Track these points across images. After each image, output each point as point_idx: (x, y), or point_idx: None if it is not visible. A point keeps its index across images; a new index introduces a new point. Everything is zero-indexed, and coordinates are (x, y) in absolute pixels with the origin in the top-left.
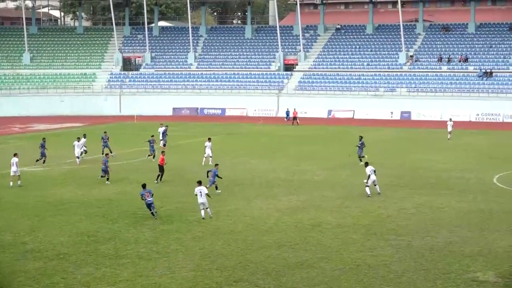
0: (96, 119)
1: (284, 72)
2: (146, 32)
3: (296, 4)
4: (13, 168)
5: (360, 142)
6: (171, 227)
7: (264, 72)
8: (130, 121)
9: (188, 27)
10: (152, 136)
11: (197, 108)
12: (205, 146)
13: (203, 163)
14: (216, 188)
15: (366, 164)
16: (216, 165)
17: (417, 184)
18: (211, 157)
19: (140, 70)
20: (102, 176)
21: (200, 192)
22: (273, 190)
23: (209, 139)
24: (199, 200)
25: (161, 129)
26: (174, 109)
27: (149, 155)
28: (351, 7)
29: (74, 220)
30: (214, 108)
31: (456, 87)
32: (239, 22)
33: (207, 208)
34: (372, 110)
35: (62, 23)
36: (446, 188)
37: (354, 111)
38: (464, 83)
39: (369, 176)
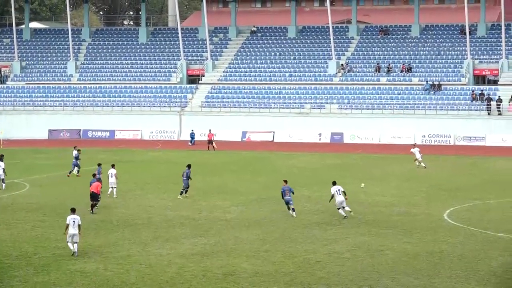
0: None
1: (188, 85)
2: (15, 36)
3: (202, 1)
4: None
5: None
6: (48, 279)
7: (163, 85)
8: None
9: (68, 30)
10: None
11: (79, 130)
12: (109, 175)
13: (109, 193)
14: (185, 192)
15: (334, 183)
16: (189, 165)
17: (352, 222)
18: (114, 187)
19: (7, 82)
20: None
21: (74, 221)
22: (175, 231)
23: (113, 165)
24: (70, 231)
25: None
26: (50, 131)
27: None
28: (269, 5)
29: None
30: (101, 130)
31: (397, 102)
32: (131, 23)
33: (74, 243)
34: (296, 131)
35: None
36: (387, 226)
37: (274, 132)
38: (408, 97)
39: (332, 196)
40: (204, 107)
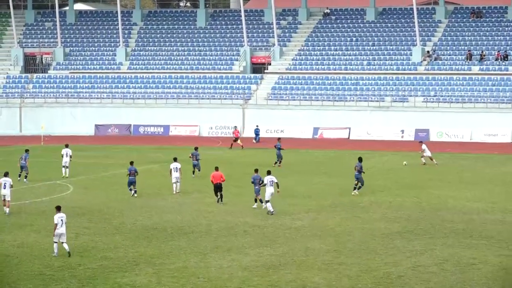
0: None
1: (252, 75)
2: (58, 19)
3: None
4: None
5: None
6: None
7: (224, 75)
8: (35, 143)
9: (117, 12)
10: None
11: (129, 126)
12: (173, 169)
13: (174, 192)
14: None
15: (268, 173)
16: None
17: (439, 231)
18: (178, 182)
19: (49, 71)
20: None
21: (61, 220)
22: (237, 241)
23: (175, 159)
24: (57, 231)
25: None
26: (97, 126)
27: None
28: None
29: None
30: (154, 125)
31: (491, 95)
32: (188, 4)
33: (62, 243)
34: (375, 128)
35: None
36: (479, 236)
37: (349, 129)
38: (503, 89)
39: (264, 184)
40: (270, 99)
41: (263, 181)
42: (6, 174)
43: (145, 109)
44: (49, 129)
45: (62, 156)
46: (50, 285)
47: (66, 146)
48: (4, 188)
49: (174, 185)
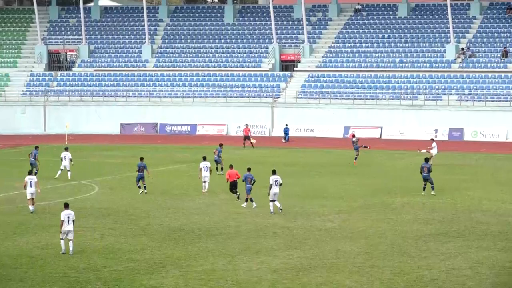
0: (10, 140)
1: (281, 73)
2: (82, 15)
3: None
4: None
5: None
6: None
7: (253, 73)
8: (59, 143)
9: (143, 8)
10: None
11: (156, 124)
12: (203, 168)
13: (204, 190)
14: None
15: (273, 172)
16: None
17: (474, 234)
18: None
19: (73, 69)
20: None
21: (68, 217)
22: (266, 242)
23: (205, 158)
24: (64, 228)
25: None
26: (122, 125)
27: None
28: None
29: None
30: (180, 124)
31: None
32: (215, 0)
33: (69, 240)
34: (407, 127)
35: None
36: None
37: (381, 128)
38: None
39: (270, 186)
40: (300, 98)
41: (254, 181)
42: (30, 172)
43: (171, 107)
44: (74, 128)
45: (61, 160)
46: (75, 287)
47: (66, 149)
48: (30, 187)
49: (204, 183)
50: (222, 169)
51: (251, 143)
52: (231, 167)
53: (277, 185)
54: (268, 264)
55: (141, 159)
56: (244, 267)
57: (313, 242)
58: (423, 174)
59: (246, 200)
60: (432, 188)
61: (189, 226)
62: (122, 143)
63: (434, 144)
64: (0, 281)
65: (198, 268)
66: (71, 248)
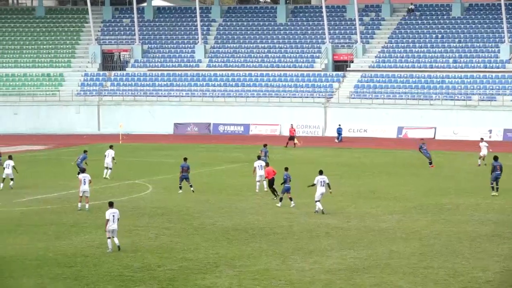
0: (65, 139)
1: (334, 73)
2: (136, 15)
3: None
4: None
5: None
6: None
7: (305, 73)
8: (113, 142)
9: (196, 8)
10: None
11: (209, 124)
12: (256, 167)
13: (257, 190)
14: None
15: (320, 172)
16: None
17: None
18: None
19: (127, 69)
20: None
21: (113, 215)
22: (320, 243)
23: (259, 157)
24: (110, 227)
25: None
26: (176, 125)
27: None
28: None
29: (34, 286)
30: (233, 124)
31: None
32: (268, 0)
33: (113, 238)
34: (461, 127)
35: (15, 1)
36: None
37: (435, 128)
38: None
39: (313, 185)
40: (353, 98)
41: (290, 180)
42: (83, 170)
43: (224, 107)
44: (127, 127)
45: (105, 157)
46: (129, 286)
47: (111, 147)
48: (84, 184)
49: (258, 183)
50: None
51: (295, 143)
52: (267, 164)
53: (323, 185)
54: (321, 264)
55: (185, 159)
56: (297, 267)
57: (366, 243)
58: (496, 172)
59: (281, 200)
60: (497, 189)
61: (242, 225)
62: (175, 143)
63: (483, 144)
64: (55, 280)
65: (252, 268)
66: (117, 244)
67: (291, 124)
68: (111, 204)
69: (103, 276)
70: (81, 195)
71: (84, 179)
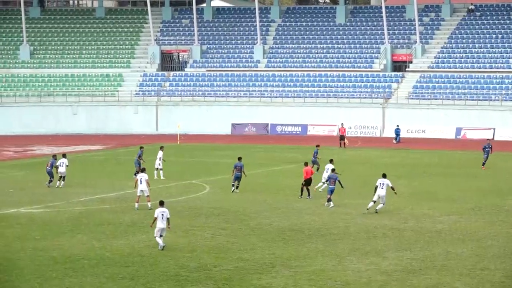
0: (123, 139)
1: (393, 73)
2: (195, 16)
3: None
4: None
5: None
6: None
7: (364, 73)
8: (171, 142)
9: (255, 8)
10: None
11: (267, 125)
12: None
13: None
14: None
15: (383, 176)
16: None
17: None
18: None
19: (186, 69)
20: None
21: (162, 214)
22: (376, 244)
23: (331, 160)
24: (158, 225)
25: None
26: (234, 125)
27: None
28: None
29: (90, 285)
30: (291, 125)
31: None
32: (327, 0)
33: (161, 237)
34: None
35: (76, 2)
36: None
37: (494, 129)
38: None
39: (375, 188)
40: (412, 98)
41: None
42: (142, 170)
43: (282, 108)
44: (185, 128)
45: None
46: (185, 286)
47: (161, 148)
48: (141, 184)
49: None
50: (317, 169)
51: (344, 143)
52: (306, 164)
53: (382, 187)
54: (378, 265)
55: (239, 158)
56: (353, 268)
57: (423, 244)
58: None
59: (329, 200)
60: None
61: (298, 226)
62: (233, 143)
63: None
64: (112, 279)
65: (308, 268)
66: (162, 244)
67: (342, 123)
68: (161, 203)
69: (159, 276)
70: (139, 194)
71: (141, 179)
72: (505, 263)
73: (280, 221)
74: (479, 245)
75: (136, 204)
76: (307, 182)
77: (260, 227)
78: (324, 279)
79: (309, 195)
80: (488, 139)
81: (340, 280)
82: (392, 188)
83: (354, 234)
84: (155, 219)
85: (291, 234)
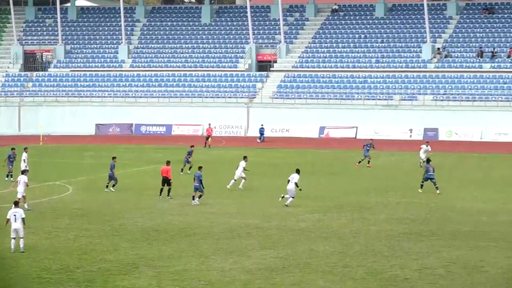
0: None
1: (257, 73)
2: (59, 15)
3: None
4: None
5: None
6: None
7: (229, 73)
8: (33, 143)
9: (119, 8)
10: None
11: (131, 125)
12: (238, 166)
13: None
14: (199, 197)
15: (297, 171)
16: (200, 167)
17: (447, 233)
18: (244, 178)
19: (49, 69)
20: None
21: (15, 215)
22: (240, 243)
23: (245, 157)
24: (12, 226)
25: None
26: (98, 126)
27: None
28: None
29: None
30: (156, 125)
31: (503, 93)
32: (192, 0)
33: (21, 238)
34: (383, 127)
35: None
36: (488, 238)
37: (357, 128)
38: None
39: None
40: (276, 98)
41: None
42: (23, 172)
43: (147, 108)
44: (49, 128)
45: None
46: None
47: (25, 149)
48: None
49: (242, 180)
50: (190, 168)
51: (207, 142)
52: (167, 163)
53: (291, 181)
54: (241, 264)
55: (113, 158)
56: (217, 267)
57: (287, 242)
58: (428, 173)
59: (193, 198)
60: (436, 188)
61: (163, 226)
62: (97, 143)
63: (424, 147)
64: None
65: (171, 268)
66: (21, 246)
67: (209, 124)
68: (16, 204)
69: (21, 279)
70: (19, 196)
71: (19, 180)
72: (366, 260)
73: (144, 222)
74: (342, 242)
75: (26, 205)
76: (165, 181)
77: (124, 227)
78: (188, 279)
79: (168, 194)
80: (371, 139)
81: (204, 280)
82: (296, 184)
83: (218, 234)
84: (8, 220)
85: (155, 235)
